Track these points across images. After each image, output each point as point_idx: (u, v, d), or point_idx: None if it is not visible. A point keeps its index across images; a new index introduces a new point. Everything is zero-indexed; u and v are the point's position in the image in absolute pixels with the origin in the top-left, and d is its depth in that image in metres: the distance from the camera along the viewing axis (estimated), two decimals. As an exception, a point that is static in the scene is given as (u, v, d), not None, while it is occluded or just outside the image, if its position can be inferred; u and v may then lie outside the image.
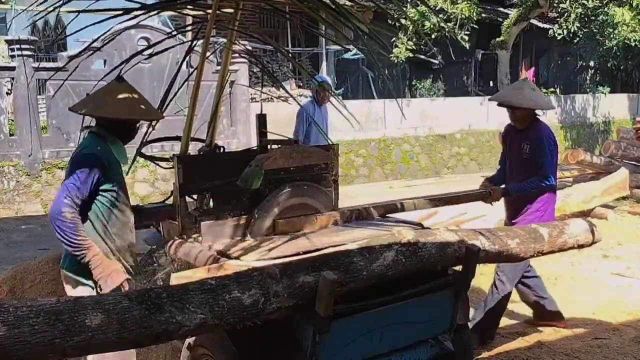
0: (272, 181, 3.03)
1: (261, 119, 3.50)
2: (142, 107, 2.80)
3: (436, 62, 15.80)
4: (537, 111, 3.94)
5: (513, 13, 15.80)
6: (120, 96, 2.72)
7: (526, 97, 3.80)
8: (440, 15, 12.33)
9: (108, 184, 2.69)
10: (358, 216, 3.24)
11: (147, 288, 2.40)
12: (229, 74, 4.31)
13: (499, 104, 3.96)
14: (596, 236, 3.17)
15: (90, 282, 2.68)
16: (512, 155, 4.05)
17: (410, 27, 12.18)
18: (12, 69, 9.29)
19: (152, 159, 3.91)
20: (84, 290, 2.67)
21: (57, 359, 1.80)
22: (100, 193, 2.68)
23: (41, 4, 2.91)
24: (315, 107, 5.90)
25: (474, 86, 17.44)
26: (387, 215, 3.39)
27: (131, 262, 2.83)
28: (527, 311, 4.37)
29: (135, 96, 2.78)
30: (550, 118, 16.02)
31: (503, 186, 3.95)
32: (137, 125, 2.92)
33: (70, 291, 2.72)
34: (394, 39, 12.70)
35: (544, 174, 3.79)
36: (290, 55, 8.94)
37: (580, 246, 3.13)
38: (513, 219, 3.94)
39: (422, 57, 15.18)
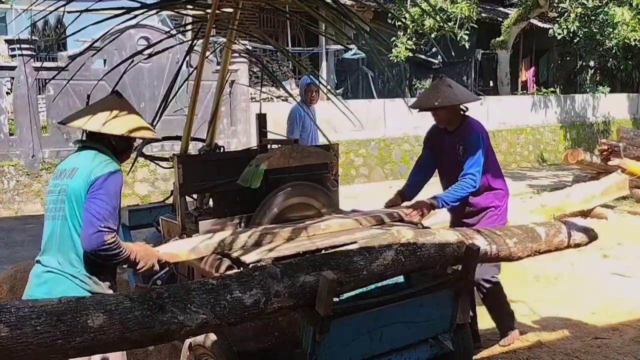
0: (272, 181, 3.03)
1: (261, 119, 3.50)
2: (146, 125, 2.64)
3: (436, 62, 15.80)
4: (462, 107, 3.55)
5: (513, 13, 15.81)
6: (123, 113, 2.54)
7: (444, 95, 3.41)
8: (440, 15, 12.32)
9: None
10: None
11: (148, 288, 2.41)
12: (229, 73, 4.31)
13: (420, 110, 3.61)
14: (593, 235, 3.18)
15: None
16: (445, 160, 3.65)
17: (411, 26, 12.17)
18: (12, 68, 9.29)
19: (152, 158, 3.93)
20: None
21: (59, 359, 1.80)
22: None
23: (41, 3, 2.92)
24: (304, 108, 5.76)
25: (474, 86, 17.42)
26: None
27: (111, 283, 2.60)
28: (527, 311, 4.38)
29: (136, 114, 2.62)
30: (550, 118, 16.05)
31: (434, 196, 3.46)
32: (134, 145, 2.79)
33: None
34: (393, 38, 12.70)
35: (468, 172, 3.39)
36: (290, 54, 8.92)
37: (577, 245, 3.14)
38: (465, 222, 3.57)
39: (422, 57, 15.19)
